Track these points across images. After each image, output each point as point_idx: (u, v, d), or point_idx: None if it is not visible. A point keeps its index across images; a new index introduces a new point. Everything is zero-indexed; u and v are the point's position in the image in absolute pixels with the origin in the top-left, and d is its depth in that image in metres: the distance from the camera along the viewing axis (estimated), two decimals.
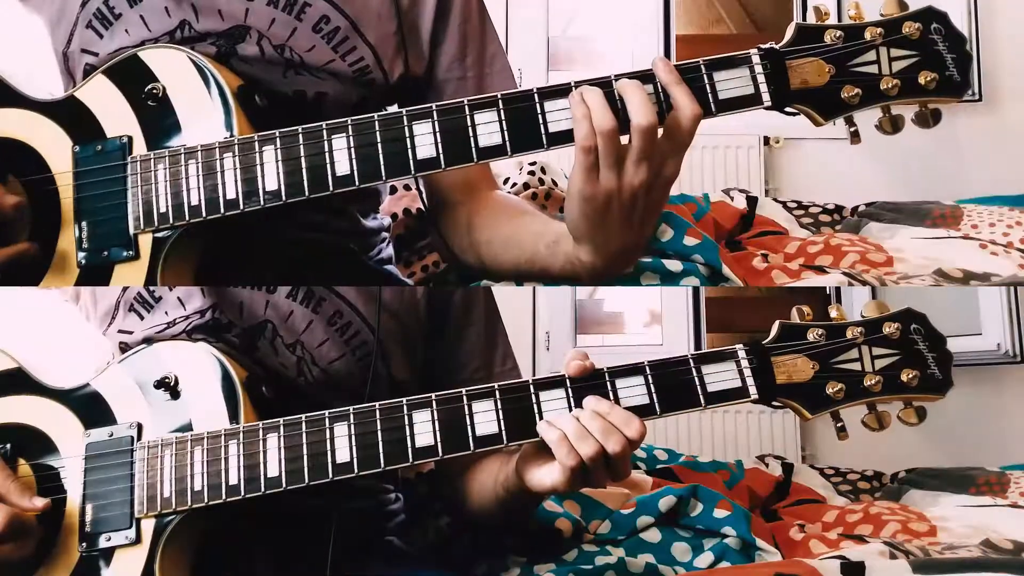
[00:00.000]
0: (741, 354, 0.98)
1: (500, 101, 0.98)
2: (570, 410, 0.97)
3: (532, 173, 1.71)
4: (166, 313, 1.11)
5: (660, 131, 0.96)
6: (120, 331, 1.12)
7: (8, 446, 1.05)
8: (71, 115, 1.05)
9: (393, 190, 1.58)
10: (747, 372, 0.97)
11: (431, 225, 1.28)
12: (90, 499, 1.02)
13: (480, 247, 1.19)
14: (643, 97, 0.95)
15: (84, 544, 1.01)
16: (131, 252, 1.02)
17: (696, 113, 0.95)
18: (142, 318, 1.11)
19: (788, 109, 0.99)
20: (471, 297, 1.22)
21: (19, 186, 1.04)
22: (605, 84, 0.97)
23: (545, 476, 0.98)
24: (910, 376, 0.98)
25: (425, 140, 0.98)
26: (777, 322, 0.99)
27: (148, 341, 1.09)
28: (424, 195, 1.25)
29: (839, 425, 0.99)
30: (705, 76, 0.98)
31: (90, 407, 1.06)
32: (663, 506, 1.43)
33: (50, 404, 1.06)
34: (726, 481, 1.75)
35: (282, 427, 0.99)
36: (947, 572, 1.17)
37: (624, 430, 0.94)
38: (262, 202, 0.99)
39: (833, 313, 1.00)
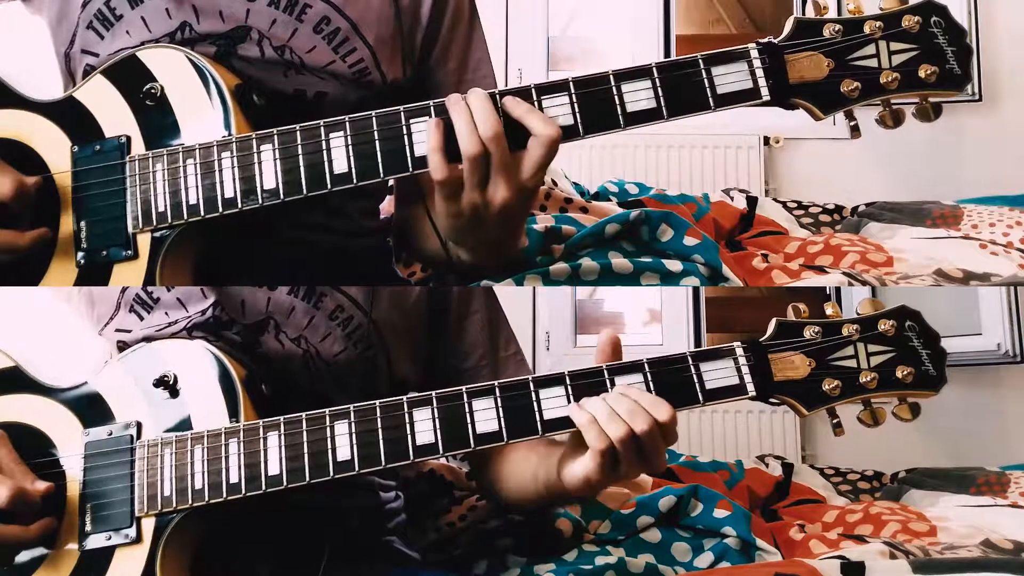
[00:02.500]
0: (739, 351, 0.98)
1: (498, 98, 0.98)
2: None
3: None
4: (166, 314, 1.11)
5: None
6: (118, 330, 1.12)
7: None
8: (70, 115, 1.06)
9: (392, 190, 1.58)
10: (745, 369, 0.98)
11: (394, 223, 1.29)
12: (90, 498, 1.02)
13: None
14: (484, 108, 0.96)
15: (84, 543, 1.01)
16: (130, 252, 1.02)
17: (551, 136, 0.96)
18: (142, 318, 1.11)
19: (787, 104, 0.99)
20: (470, 289, 1.23)
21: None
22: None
23: (577, 468, 0.97)
24: (905, 373, 0.98)
25: (423, 137, 0.98)
26: (774, 320, 1.00)
27: (147, 339, 1.09)
28: (396, 198, 1.27)
29: (835, 421, 1.00)
30: (703, 71, 0.98)
31: (89, 406, 1.06)
32: (663, 506, 1.43)
33: (48, 403, 1.06)
34: (726, 481, 1.75)
35: (283, 425, 0.99)
36: (947, 572, 1.17)
37: (653, 411, 0.93)
38: (260, 201, 1.00)
39: (829, 311, 1.01)
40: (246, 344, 1.10)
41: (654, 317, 3.19)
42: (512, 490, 1.16)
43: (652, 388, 0.97)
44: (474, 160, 0.96)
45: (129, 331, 1.11)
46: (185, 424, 1.03)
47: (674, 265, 1.44)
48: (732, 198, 1.99)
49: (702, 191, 1.99)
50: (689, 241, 1.51)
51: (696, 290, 2.93)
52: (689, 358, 0.98)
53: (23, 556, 1.01)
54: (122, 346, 1.11)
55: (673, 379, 0.98)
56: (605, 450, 0.94)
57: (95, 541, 1.00)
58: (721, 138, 3.02)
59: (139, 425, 1.03)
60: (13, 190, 1.00)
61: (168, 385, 1.04)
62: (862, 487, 2.04)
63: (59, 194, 1.04)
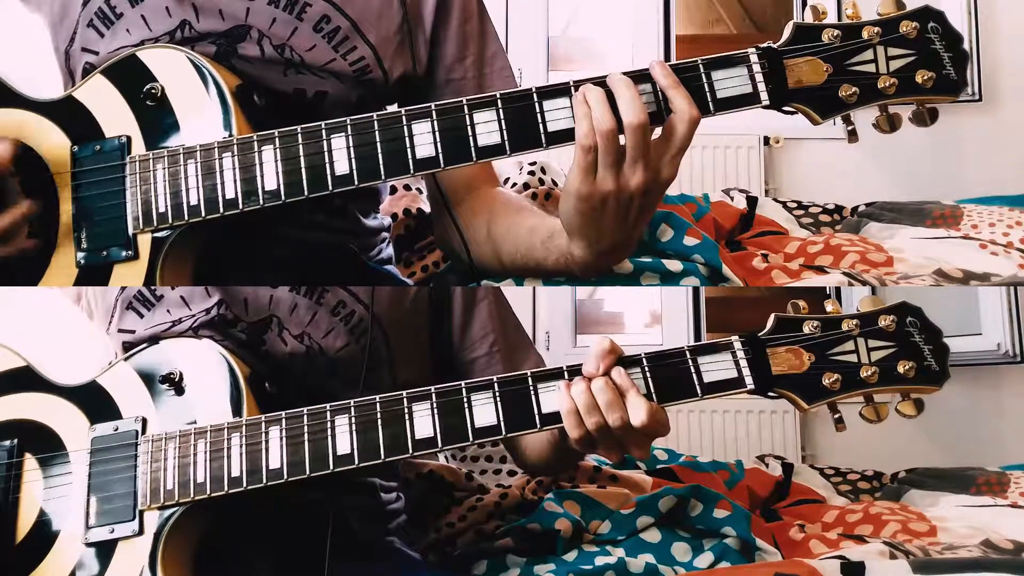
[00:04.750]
0: (737, 345, 0.99)
1: (499, 100, 0.98)
2: None
3: (532, 173, 1.70)
4: (168, 312, 1.11)
5: (658, 131, 0.97)
6: (120, 330, 1.12)
7: (16, 441, 1.06)
8: (70, 115, 1.06)
9: (393, 190, 1.58)
10: (743, 363, 0.98)
11: (436, 223, 1.29)
12: (94, 491, 1.03)
13: (479, 244, 1.20)
14: (632, 94, 0.95)
15: (87, 536, 1.01)
16: (130, 252, 1.02)
17: (694, 116, 0.96)
18: (141, 316, 1.11)
19: (786, 108, 1.00)
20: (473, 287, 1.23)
21: (17, 185, 1.04)
22: (604, 84, 0.97)
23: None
24: (906, 367, 0.98)
25: (424, 139, 0.98)
26: (773, 315, 1.00)
27: (154, 339, 1.10)
28: (427, 194, 1.26)
29: (836, 416, 1.00)
30: (703, 75, 0.98)
31: (96, 403, 1.07)
32: (663, 506, 1.43)
33: (57, 400, 1.07)
34: (726, 481, 1.75)
35: (284, 420, 1.00)
36: (947, 572, 1.17)
37: (630, 412, 0.95)
38: (261, 202, 1.00)
39: (829, 307, 1.01)
40: (251, 342, 1.11)
41: (655, 319, 3.19)
42: (528, 450, 1.17)
43: (650, 382, 0.98)
44: (610, 134, 0.95)
45: (132, 331, 1.11)
46: (190, 422, 1.03)
47: (674, 265, 1.44)
48: (732, 198, 1.99)
49: (702, 191, 1.99)
50: (689, 241, 1.51)
51: (696, 290, 2.93)
52: (687, 352, 0.99)
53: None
54: (127, 346, 1.11)
55: (671, 373, 0.98)
56: (580, 437, 0.96)
57: (98, 534, 1.01)
58: (721, 138, 3.02)
59: (144, 421, 1.04)
60: None
61: (174, 383, 1.05)
62: (862, 487, 2.03)
63: (59, 194, 1.04)
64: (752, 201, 1.97)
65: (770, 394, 0.99)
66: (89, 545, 1.01)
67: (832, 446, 2.81)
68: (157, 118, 1.04)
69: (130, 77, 1.05)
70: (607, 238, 1.02)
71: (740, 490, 1.75)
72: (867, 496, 2.00)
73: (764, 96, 0.98)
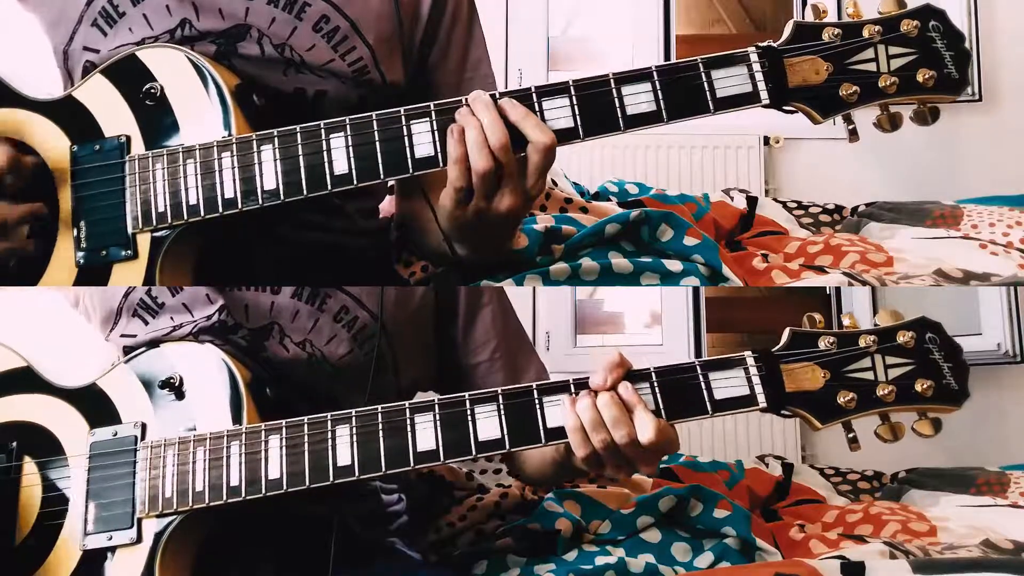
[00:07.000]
0: (750, 361, 0.97)
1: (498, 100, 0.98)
2: None
3: None
4: (171, 318, 1.11)
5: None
6: (123, 335, 1.12)
7: (15, 443, 1.06)
8: (69, 115, 1.06)
9: (392, 190, 1.58)
10: (756, 380, 0.96)
11: (396, 218, 1.30)
12: (92, 497, 1.02)
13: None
14: (492, 118, 0.96)
15: (85, 542, 1.01)
16: (129, 252, 1.02)
17: (545, 144, 0.96)
18: (146, 323, 1.11)
19: (786, 107, 0.99)
20: (478, 287, 1.23)
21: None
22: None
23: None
24: (924, 386, 0.96)
25: (423, 139, 0.98)
26: (788, 329, 0.98)
27: (154, 343, 1.10)
28: (399, 200, 1.27)
29: (851, 436, 0.97)
30: (703, 74, 0.98)
31: (95, 406, 1.06)
32: (663, 506, 1.43)
33: (56, 403, 1.07)
34: (726, 481, 1.75)
35: (284, 429, 0.99)
36: (947, 572, 1.17)
37: (637, 428, 0.94)
38: (260, 201, 1.00)
39: (846, 321, 0.98)
40: (251, 348, 1.10)
41: (655, 319, 3.19)
42: (530, 465, 1.17)
43: (659, 397, 0.96)
44: (486, 175, 0.96)
45: (134, 335, 1.11)
46: (189, 427, 1.03)
47: (674, 265, 1.44)
48: (732, 198, 1.99)
49: (702, 191, 1.98)
50: (689, 241, 1.51)
51: (696, 290, 2.93)
52: (698, 367, 0.97)
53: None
54: (128, 350, 1.11)
55: (681, 388, 0.97)
56: (588, 456, 0.95)
57: (96, 541, 1.01)
58: (721, 138, 3.01)
59: (144, 426, 1.04)
60: (8, 161, 1.01)
61: (174, 387, 1.04)
62: (862, 487, 2.03)
63: (58, 194, 1.04)
64: (752, 201, 1.97)
65: (783, 412, 0.97)
66: (87, 551, 1.01)
67: (832, 446, 2.80)
68: (156, 118, 1.04)
69: (130, 77, 1.05)
70: (488, 240, 1.07)
71: (740, 490, 1.75)
72: (867, 496, 1.99)
73: (764, 95, 0.98)
